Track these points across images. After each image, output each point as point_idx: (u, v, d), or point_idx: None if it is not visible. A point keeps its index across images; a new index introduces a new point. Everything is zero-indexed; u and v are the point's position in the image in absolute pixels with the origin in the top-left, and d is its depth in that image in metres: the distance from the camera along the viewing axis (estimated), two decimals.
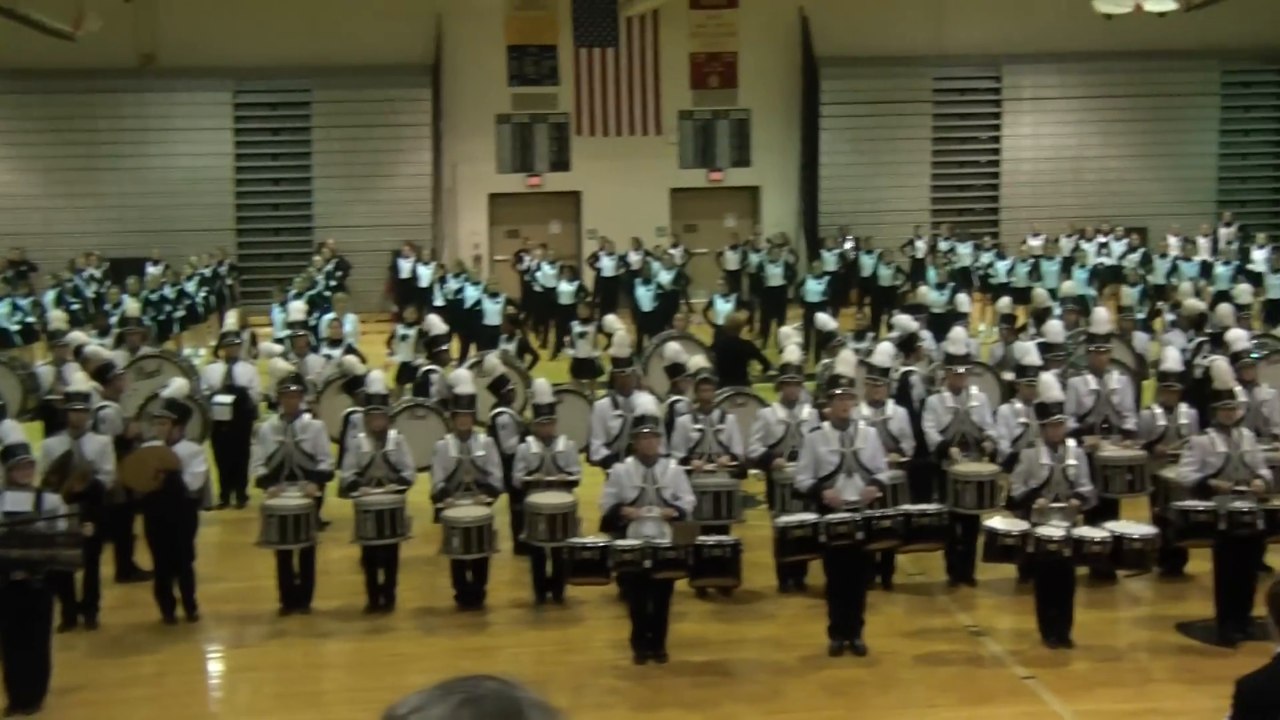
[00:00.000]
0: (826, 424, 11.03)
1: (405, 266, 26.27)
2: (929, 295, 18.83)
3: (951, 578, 12.06)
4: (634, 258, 25.42)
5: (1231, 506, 10.60)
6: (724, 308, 20.21)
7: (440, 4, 29.13)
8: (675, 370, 13.37)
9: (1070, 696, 9.62)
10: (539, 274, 25.00)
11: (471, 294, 22.06)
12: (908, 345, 14.15)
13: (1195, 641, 10.58)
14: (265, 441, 12.05)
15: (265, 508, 11.69)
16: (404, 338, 17.96)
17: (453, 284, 22.85)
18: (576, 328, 19.17)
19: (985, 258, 25.47)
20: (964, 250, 26.21)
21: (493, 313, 20.84)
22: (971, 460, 11.98)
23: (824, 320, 16.11)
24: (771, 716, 9.64)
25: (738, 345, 16.97)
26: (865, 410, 11.72)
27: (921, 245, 26.64)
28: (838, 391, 11.01)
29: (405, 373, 16.96)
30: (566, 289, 23.97)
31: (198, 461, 11.77)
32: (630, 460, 10.84)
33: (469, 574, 11.79)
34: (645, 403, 11.31)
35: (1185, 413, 12.11)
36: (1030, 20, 29.84)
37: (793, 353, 12.91)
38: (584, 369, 18.62)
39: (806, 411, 12.09)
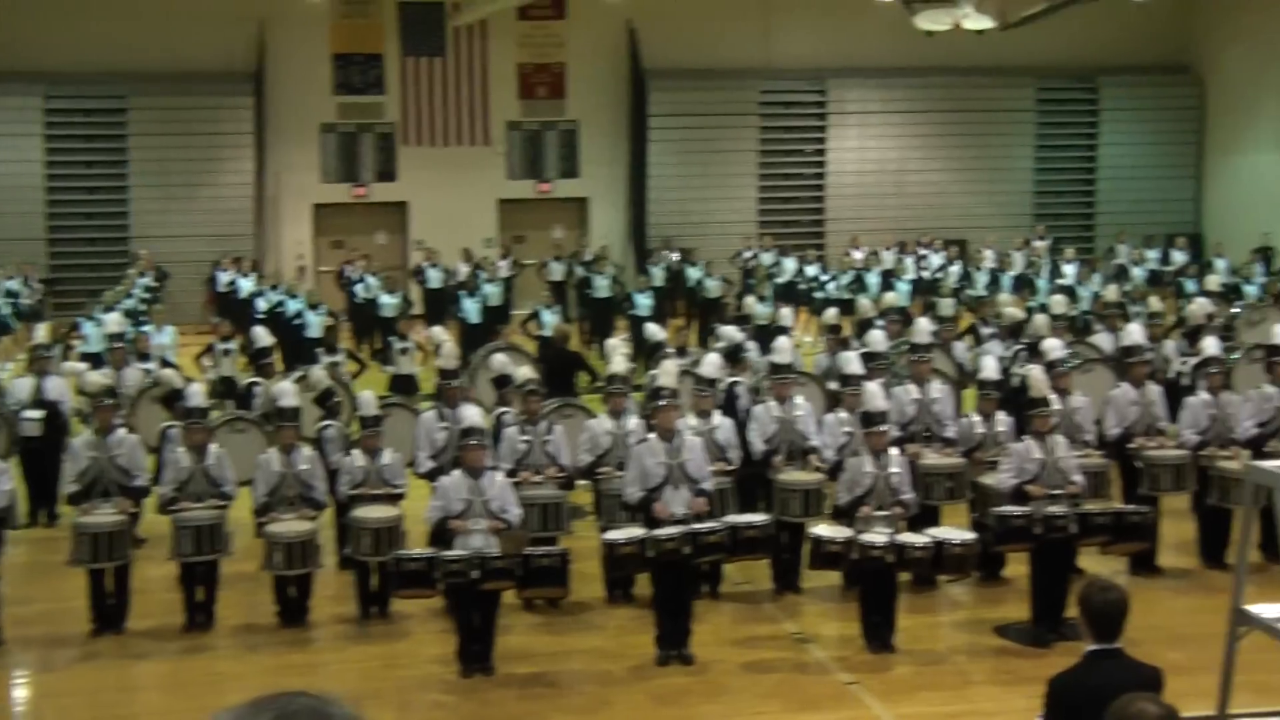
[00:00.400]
0: (653, 435, 11.09)
1: (223, 278, 25.78)
2: (754, 307, 19.07)
3: (778, 586, 12.21)
4: (463, 269, 25.29)
5: (1046, 511, 10.91)
6: (550, 319, 20.24)
7: (263, 10, 28.67)
8: (502, 382, 13.34)
9: (892, 700, 9.80)
10: (359, 286, 24.72)
11: (293, 306, 21.74)
12: (733, 356, 14.32)
13: (1012, 643, 10.85)
14: (77, 458, 11.68)
15: (77, 525, 11.34)
16: (226, 352, 17.61)
17: (273, 296, 22.49)
18: (397, 344, 18.94)
19: (810, 270, 25.89)
20: (788, 264, 26.59)
21: (315, 325, 20.57)
22: (797, 469, 12.14)
23: (652, 331, 16.21)
24: None
25: (565, 357, 16.98)
26: (692, 421, 11.82)
27: (748, 257, 26.99)
28: (661, 403, 11.09)
29: (225, 386, 16.60)
30: (390, 301, 23.76)
31: (4, 479, 11.39)
32: (457, 473, 10.78)
33: (292, 590, 11.59)
34: (471, 414, 11.24)
35: (1002, 420, 12.43)
36: (854, 35, 30.48)
37: (619, 364, 12.94)
38: (404, 385, 18.33)
39: (633, 423, 12.14)
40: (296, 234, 29.83)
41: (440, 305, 25.13)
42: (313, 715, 2.31)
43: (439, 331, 16.51)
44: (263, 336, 15.59)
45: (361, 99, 29.76)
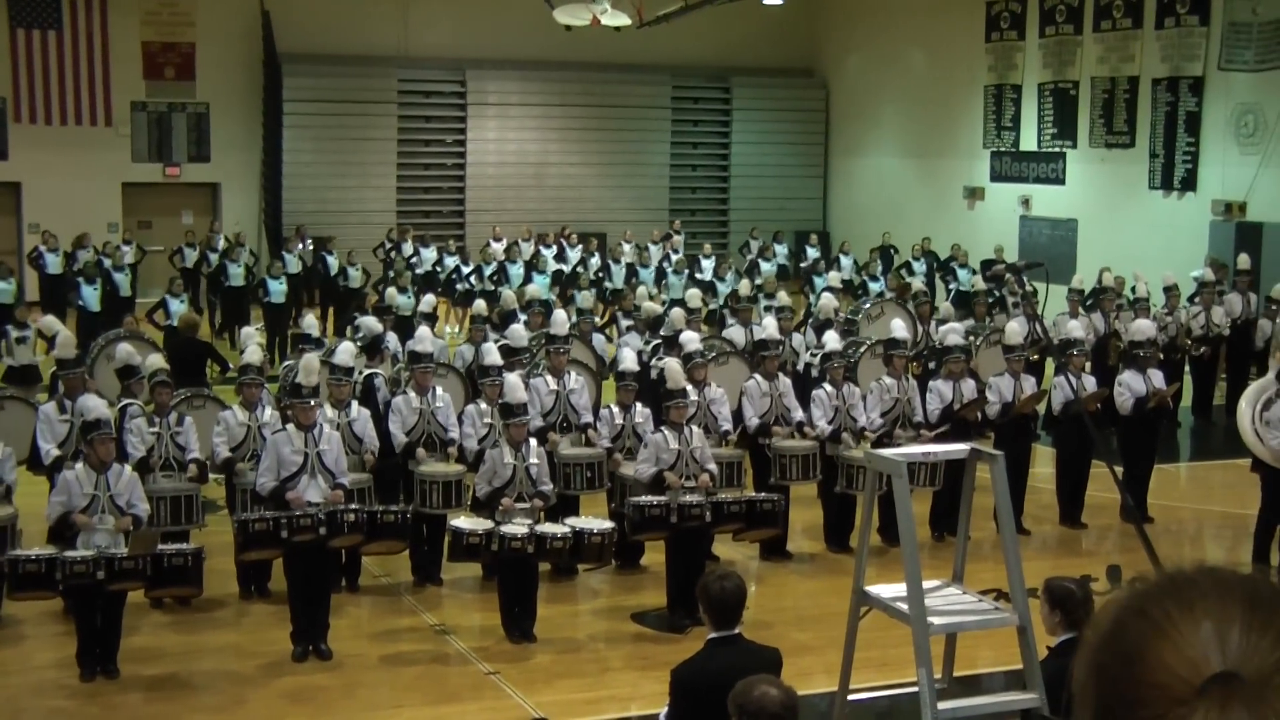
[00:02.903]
0: (290, 426, 10.94)
1: None
2: (396, 298, 18.98)
3: (417, 578, 12.20)
4: (81, 255, 24.18)
5: (682, 500, 11.28)
6: (178, 308, 19.60)
7: None
8: (128, 372, 12.86)
9: (532, 689, 9.93)
10: None
11: None
12: (372, 348, 14.21)
13: (649, 630, 11.16)
14: None
15: None
16: None
17: None
18: (13, 332, 18.04)
19: (449, 261, 25.88)
20: (428, 254, 26.53)
21: None
22: (438, 461, 12.16)
23: (309, 324, 15.83)
24: None
25: (193, 346, 16.51)
26: (329, 412, 11.69)
27: (389, 246, 26.81)
28: (301, 401, 10.97)
29: None
30: (3, 288, 22.52)
31: None
32: (80, 466, 10.35)
33: None
34: (94, 406, 10.79)
35: (640, 411, 12.75)
36: (494, 27, 30.65)
37: (254, 353, 12.65)
38: (22, 376, 17.46)
39: (269, 413, 11.92)
40: None
41: (58, 292, 24.00)
42: None
43: (53, 320, 15.82)
44: None
45: None
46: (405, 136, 31.28)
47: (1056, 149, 27.39)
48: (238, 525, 10.53)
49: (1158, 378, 14.18)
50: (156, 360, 12.76)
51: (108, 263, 23.08)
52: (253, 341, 13.43)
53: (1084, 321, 16.75)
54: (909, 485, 7.48)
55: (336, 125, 30.31)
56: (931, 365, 15.74)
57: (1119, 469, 13.53)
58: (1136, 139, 25.52)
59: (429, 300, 17.73)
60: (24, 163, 28.43)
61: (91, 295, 21.79)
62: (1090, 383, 14.24)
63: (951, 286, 24.74)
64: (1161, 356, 16.00)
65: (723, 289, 23.50)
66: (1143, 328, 14.74)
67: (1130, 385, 14.09)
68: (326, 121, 30.27)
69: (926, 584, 7.17)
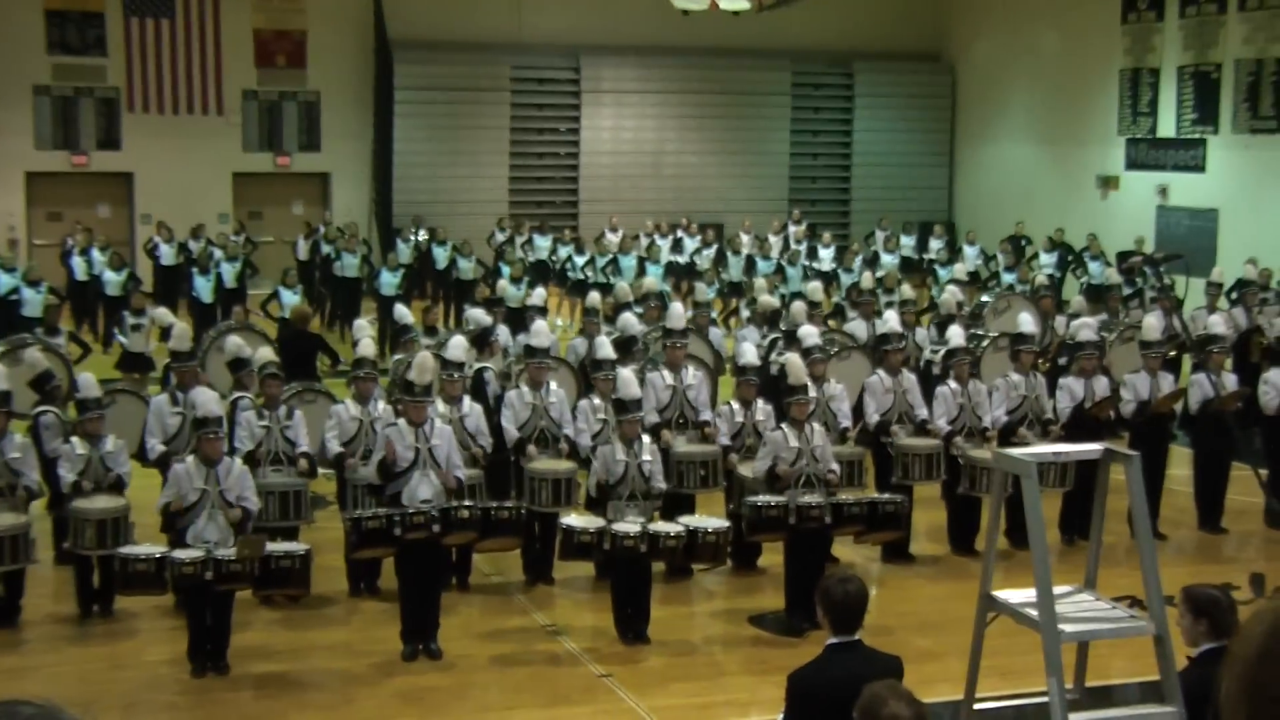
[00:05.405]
0: (402, 421, 11.06)
1: None
2: (506, 289, 19.10)
3: (529, 577, 12.28)
4: (194, 246, 24.67)
5: (801, 501, 11.22)
6: (290, 299, 19.92)
7: None
8: (238, 365, 13.09)
9: (645, 692, 9.95)
10: (78, 261, 23.87)
11: (7, 281, 20.92)
12: (481, 340, 14.32)
13: (766, 633, 11.13)
14: None
15: None
16: None
17: None
18: (129, 319, 18.56)
19: (563, 251, 26.02)
20: (542, 243, 26.69)
21: (34, 303, 19.90)
22: (549, 457, 12.22)
23: (401, 313, 16.05)
24: None
25: (305, 339, 16.74)
26: (440, 407, 11.80)
27: (501, 237, 27.00)
28: (409, 399, 11.12)
29: None
30: (114, 278, 23.05)
31: None
32: (190, 459, 10.56)
33: (0, 589, 11.16)
34: (206, 400, 10.99)
35: (762, 408, 12.71)
36: (609, 12, 30.72)
37: (366, 347, 12.83)
38: (136, 364, 18.01)
39: (381, 408, 12.06)
40: (6, 204, 28.62)
41: (173, 283, 24.51)
42: None
43: (165, 312, 16.22)
44: None
45: (80, 60, 28.68)
46: (518, 125, 31.46)
47: (1196, 135, 26.84)
48: (350, 523, 10.66)
49: None
50: (267, 353, 12.97)
51: (219, 254, 23.47)
52: (366, 334, 13.62)
53: (1225, 316, 16.42)
54: (1038, 486, 7.37)
55: (448, 113, 30.58)
56: (1061, 361, 15.53)
57: (1263, 471, 13.31)
58: None
59: (540, 294, 17.82)
60: (137, 152, 29.04)
61: (204, 286, 22.21)
62: (1231, 380, 13.96)
63: (1083, 279, 24.38)
64: None
65: (845, 281, 23.36)
66: None
67: (1276, 383, 13.78)
68: (438, 110, 30.55)
69: (1057, 589, 7.07)
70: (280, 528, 11.39)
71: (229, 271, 22.86)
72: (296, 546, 10.65)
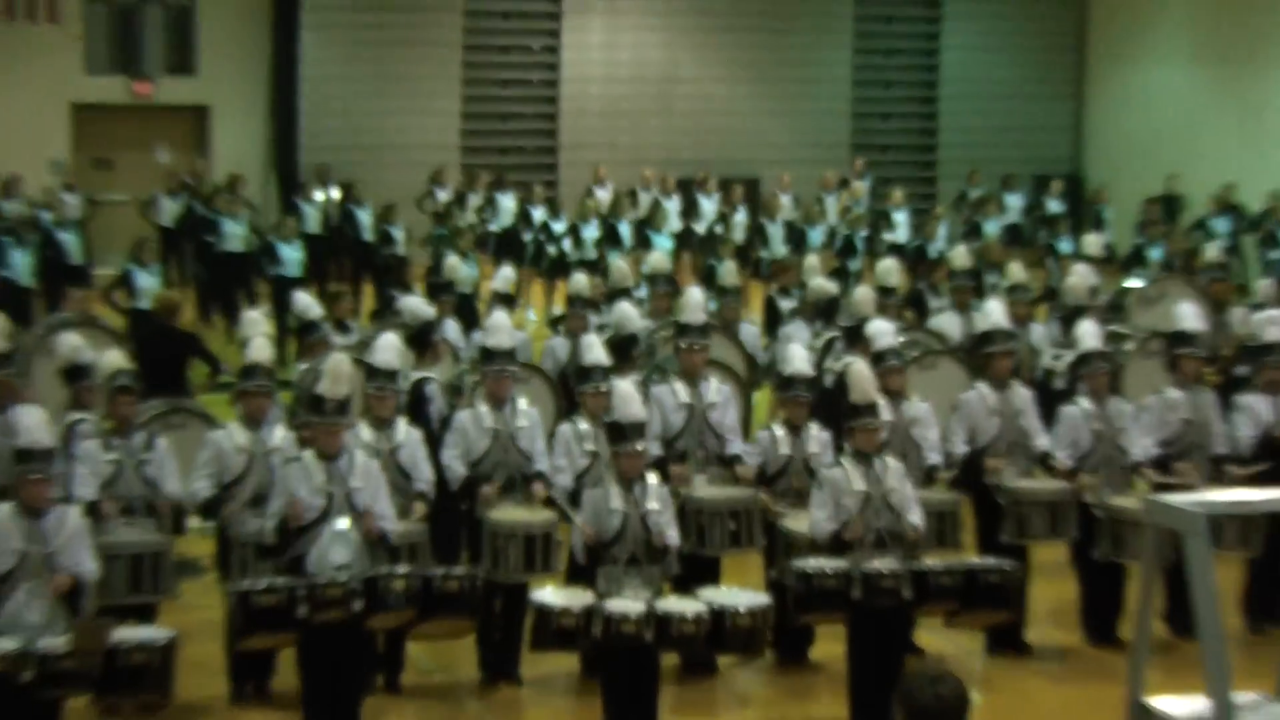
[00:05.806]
0: (308, 453, 10.96)
1: None
2: (455, 269, 18.91)
3: (487, 675, 12.23)
4: (10, 206, 24.56)
5: (869, 567, 11.09)
6: (149, 283, 19.82)
7: None
8: (76, 374, 13.02)
9: None
10: None
11: None
12: (421, 341, 14.22)
13: None
14: None
15: None
16: None
17: None
18: None
19: (536, 215, 25.92)
20: (506, 204, 26.63)
21: None
22: (517, 504, 12.15)
23: (305, 303, 15.98)
24: None
25: (171, 338, 16.71)
26: (365, 434, 11.74)
27: (444, 197, 26.96)
28: (317, 420, 11.06)
29: None
30: None
31: None
32: (5, 510, 10.43)
33: None
34: (30, 424, 10.86)
35: (817, 437, 12.59)
36: None
37: (259, 349, 12.74)
38: None
39: (279, 435, 11.97)
40: None
41: None
42: None
43: None
44: None
45: None
46: (473, 42, 31.57)
47: None
48: (235, 598, 10.56)
49: None
50: (117, 358, 12.86)
51: (47, 218, 23.38)
52: (257, 332, 13.52)
53: None
54: (1211, 549, 7.28)
55: (376, 24, 30.66)
56: (1239, 371, 15.46)
57: None
58: None
59: (506, 274, 17.72)
60: None
61: (25, 263, 22.09)
62: None
63: (1270, 256, 24.34)
64: None
65: (929, 256, 23.36)
66: None
67: None
68: (363, 20, 30.64)
69: (1239, 697, 7.06)
70: (132, 605, 11.28)
71: (69, 243, 22.76)
72: (155, 634, 10.53)
